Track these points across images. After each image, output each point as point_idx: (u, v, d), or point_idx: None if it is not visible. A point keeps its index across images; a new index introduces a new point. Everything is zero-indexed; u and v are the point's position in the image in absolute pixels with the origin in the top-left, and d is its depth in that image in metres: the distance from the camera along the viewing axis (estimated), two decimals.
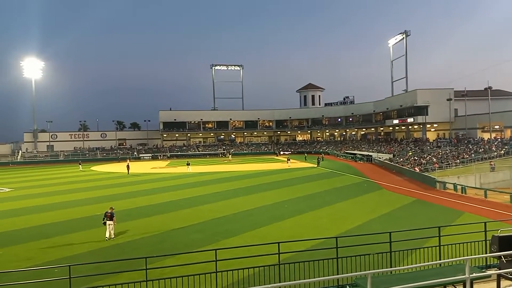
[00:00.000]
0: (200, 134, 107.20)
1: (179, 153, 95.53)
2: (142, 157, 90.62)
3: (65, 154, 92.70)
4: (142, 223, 22.47)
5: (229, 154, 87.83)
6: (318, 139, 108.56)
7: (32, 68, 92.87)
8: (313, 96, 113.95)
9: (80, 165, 65.43)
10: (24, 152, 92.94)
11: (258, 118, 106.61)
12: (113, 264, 13.64)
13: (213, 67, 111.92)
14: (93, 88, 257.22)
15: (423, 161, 47.45)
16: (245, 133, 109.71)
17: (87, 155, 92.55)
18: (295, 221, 22.35)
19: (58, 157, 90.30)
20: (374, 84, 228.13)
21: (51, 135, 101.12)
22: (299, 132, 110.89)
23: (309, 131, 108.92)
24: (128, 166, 55.19)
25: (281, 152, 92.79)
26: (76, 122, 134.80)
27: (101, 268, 13.17)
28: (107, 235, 18.41)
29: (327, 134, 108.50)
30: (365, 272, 6.24)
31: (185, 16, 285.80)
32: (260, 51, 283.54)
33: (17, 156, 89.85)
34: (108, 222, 18.39)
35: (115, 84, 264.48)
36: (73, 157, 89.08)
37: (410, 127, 75.44)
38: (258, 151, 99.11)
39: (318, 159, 61.78)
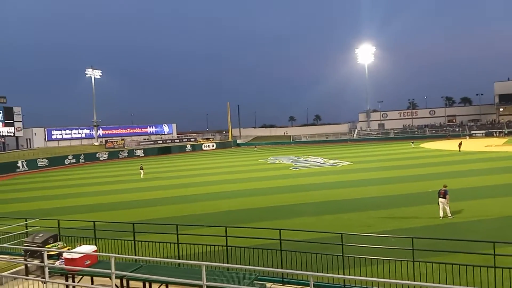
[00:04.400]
0: None
1: None
2: (473, 134, 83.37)
3: (395, 131, 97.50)
4: (478, 204, 20.88)
5: None
6: None
7: (365, 54, 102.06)
8: None
9: (412, 143, 68.48)
10: (359, 130, 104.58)
11: None
12: (448, 243, 13.43)
13: None
14: (420, 65, 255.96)
15: None
16: None
17: (416, 132, 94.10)
18: None
19: (388, 135, 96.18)
20: None
21: (382, 114, 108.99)
22: None
23: None
24: (460, 144, 52.28)
25: None
26: (405, 101, 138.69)
27: (434, 245, 13.09)
28: (441, 213, 18.26)
29: None
30: None
31: None
32: None
33: (353, 134, 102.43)
34: (440, 200, 18.23)
35: (444, 58, 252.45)
36: (403, 134, 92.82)
37: None
38: None
39: None
